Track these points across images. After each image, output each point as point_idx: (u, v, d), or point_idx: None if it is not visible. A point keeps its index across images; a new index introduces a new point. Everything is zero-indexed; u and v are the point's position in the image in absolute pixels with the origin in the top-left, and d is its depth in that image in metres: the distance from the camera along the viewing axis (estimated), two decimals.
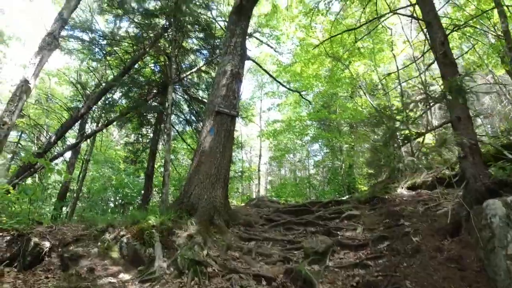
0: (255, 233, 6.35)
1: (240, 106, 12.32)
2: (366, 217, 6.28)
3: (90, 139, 14.42)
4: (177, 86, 13.74)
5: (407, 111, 6.26)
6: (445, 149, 6.31)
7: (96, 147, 18.63)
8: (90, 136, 10.14)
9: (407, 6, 9.65)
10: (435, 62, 6.14)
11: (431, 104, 6.17)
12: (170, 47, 9.72)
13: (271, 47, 17.04)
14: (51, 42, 7.14)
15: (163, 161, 13.10)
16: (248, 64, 18.47)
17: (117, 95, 12.90)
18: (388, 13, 8.67)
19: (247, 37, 10.87)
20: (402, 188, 8.01)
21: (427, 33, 6.75)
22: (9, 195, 6.35)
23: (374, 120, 12.78)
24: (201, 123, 10.95)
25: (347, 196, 11.83)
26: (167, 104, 7.70)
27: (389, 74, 12.95)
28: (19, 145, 16.54)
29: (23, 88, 6.24)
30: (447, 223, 4.62)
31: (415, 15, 8.63)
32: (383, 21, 11.23)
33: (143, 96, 11.40)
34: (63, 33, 11.99)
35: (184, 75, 11.37)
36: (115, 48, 12.63)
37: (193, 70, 11.37)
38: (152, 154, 11.51)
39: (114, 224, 6.00)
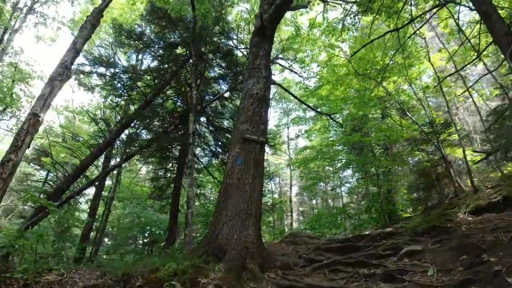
0: (296, 279, 5.31)
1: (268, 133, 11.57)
2: (433, 254, 5.12)
3: (114, 176, 14.01)
4: (201, 118, 13.25)
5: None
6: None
7: (121, 184, 18.29)
8: (109, 171, 9.60)
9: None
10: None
11: None
12: (191, 74, 9.24)
13: (295, 72, 16.48)
14: (62, 73, 6.73)
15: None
16: (272, 90, 17.90)
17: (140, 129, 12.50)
18: (435, 7, 7.75)
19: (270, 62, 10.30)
20: (465, 213, 6.78)
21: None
22: (19, 240, 5.74)
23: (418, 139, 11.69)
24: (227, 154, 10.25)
25: (393, 226, 10.54)
26: (189, 133, 7.04)
27: (427, 86, 11.87)
28: (46, 184, 16.40)
29: (31, 122, 5.73)
30: None
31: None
32: (419, 26, 10.34)
33: (165, 128, 10.89)
34: (85, 68, 11.90)
35: (206, 103, 10.80)
36: (137, 83, 12.40)
37: (216, 97, 10.80)
38: (176, 190, 10.80)
39: (131, 272, 5.19)
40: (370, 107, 17.48)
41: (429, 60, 11.86)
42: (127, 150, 10.00)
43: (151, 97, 11.08)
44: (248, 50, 10.36)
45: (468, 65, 10.09)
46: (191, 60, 11.38)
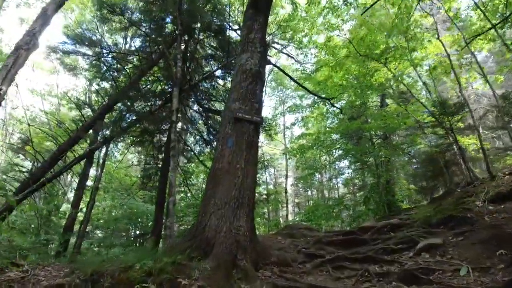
0: (295, 278, 4.54)
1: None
2: (458, 248, 4.36)
3: (100, 165, 13.14)
4: (192, 104, 12.37)
5: None
6: None
7: (110, 174, 17.38)
8: (83, 157, 8.66)
9: None
10: None
11: None
12: (177, 46, 8.27)
13: (291, 56, 15.59)
14: (29, 41, 5.84)
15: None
16: (266, 73, 17.05)
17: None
18: None
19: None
20: (484, 201, 6.02)
21: None
22: None
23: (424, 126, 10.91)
24: (217, 136, 9.34)
25: (397, 217, 9.83)
26: (172, 110, 6.14)
27: (434, 67, 11.06)
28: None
29: None
30: None
31: None
32: None
33: (150, 110, 9.98)
34: (67, 48, 10.92)
35: (196, 81, 9.84)
36: (123, 65, 11.45)
37: (205, 75, 9.84)
38: (162, 178, 9.92)
39: (102, 270, 4.40)
40: (370, 94, 16.73)
41: (438, 37, 11.03)
42: (106, 133, 9.09)
43: (136, 78, 10.18)
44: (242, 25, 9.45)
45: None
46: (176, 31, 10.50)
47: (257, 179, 14.12)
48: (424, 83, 12.43)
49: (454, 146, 9.60)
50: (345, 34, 14.38)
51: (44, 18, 6.31)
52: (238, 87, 6.79)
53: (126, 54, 10.93)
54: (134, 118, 9.33)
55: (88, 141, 12.34)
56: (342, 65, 13.18)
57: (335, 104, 18.22)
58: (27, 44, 5.83)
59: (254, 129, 6.31)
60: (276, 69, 20.88)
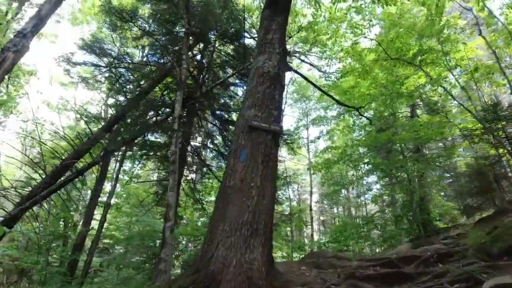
0: None
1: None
2: None
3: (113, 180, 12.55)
4: (208, 116, 11.61)
5: None
6: None
7: (126, 189, 16.79)
8: (82, 171, 7.89)
9: None
10: None
11: None
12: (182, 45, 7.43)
13: (313, 65, 14.67)
14: (18, 43, 5.18)
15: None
16: (286, 81, 16.20)
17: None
18: None
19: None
20: None
21: None
22: None
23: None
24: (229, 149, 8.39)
25: (440, 241, 8.51)
26: (174, 117, 5.26)
27: (476, 69, 9.85)
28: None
29: None
30: None
31: None
32: None
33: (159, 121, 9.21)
34: (76, 58, 10.44)
35: (207, 87, 8.95)
36: (136, 77, 10.86)
37: (219, 82, 8.97)
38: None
39: None
40: (399, 104, 15.53)
41: (480, 33, 9.84)
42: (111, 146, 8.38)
43: (147, 88, 9.50)
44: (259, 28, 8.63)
45: None
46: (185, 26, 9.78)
47: (278, 197, 13.13)
48: (462, 88, 11.17)
49: (507, 157, 8.27)
50: (372, 40, 13.39)
51: (38, 18, 5.68)
52: (254, 92, 5.90)
53: (138, 64, 10.30)
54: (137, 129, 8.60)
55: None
56: (370, 72, 12.12)
57: (365, 111, 17.08)
58: (15, 46, 5.19)
59: (272, 139, 5.35)
60: (298, 79, 20.04)
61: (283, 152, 20.16)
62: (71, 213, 14.11)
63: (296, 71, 9.01)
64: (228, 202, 4.70)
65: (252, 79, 6.24)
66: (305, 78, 9.25)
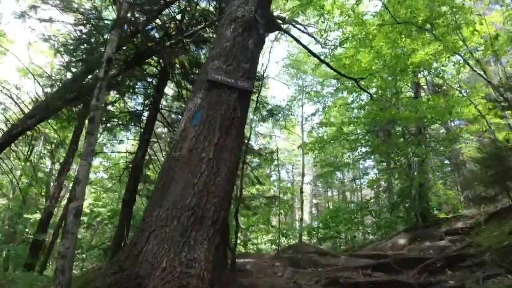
0: None
1: (258, 81, 8.24)
2: None
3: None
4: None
5: None
6: None
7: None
8: (16, 135, 6.50)
9: None
10: None
11: None
12: None
13: (308, 34, 13.17)
14: None
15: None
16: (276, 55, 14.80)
17: None
18: None
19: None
20: None
21: None
22: None
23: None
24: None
25: (446, 238, 7.36)
26: (102, 61, 3.93)
27: (496, 36, 8.49)
28: None
29: None
30: None
31: None
32: None
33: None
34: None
35: (183, 34, 7.32)
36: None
37: (187, 33, 7.36)
38: (134, 170, 7.75)
39: None
40: (403, 81, 14.14)
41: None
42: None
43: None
44: None
45: None
46: None
47: (257, 175, 11.78)
48: (477, 61, 9.78)
49: None
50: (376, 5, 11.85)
51: None
52: (223, 41, 4.56)
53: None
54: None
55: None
56: (372, 40, 10.67)
57: (363, 88, 15.65)
58: None
59: (239, 99, 4.04)
60: (293, 53, 18.51)
61: (276, 132, 18.87)
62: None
63: (285, 30, 7.63)
64: (171, 179, 3.46)
65: (222, 25, 4.90)
66: (296, 40, 7.87)
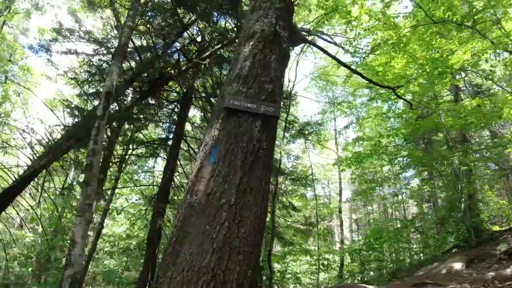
0: None
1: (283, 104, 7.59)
2: None
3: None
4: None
5: None
6: None
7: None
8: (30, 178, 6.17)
9: None
10: None
11: None
12: None
13: (334, 43, 12.49)
14: None
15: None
16: (304, 67, 14.32)
17: None
18: None
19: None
20: None
21: None
22: None
23: None
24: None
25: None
26: (101, 95, 3.45)
27: None
28: None
29: None
30: None
31: None
32: None
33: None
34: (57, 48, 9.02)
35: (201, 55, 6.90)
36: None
37: (205, 55, 6.90)
38: (157, 208, 7.27)
39: None
40: (442, 85, 13.08)
41: None
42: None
43: (131, 77, 7.80)
44: None
45: None
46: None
47: (293, 203, 10.84)
48: None
49: None
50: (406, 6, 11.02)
51: None
52: (241, 60, 4.00)
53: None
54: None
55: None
56: (406, 44, 9.84)
57: (399, 104, 14.67)
58: None
59: (263, 127, 3.42)
60: (320, 65, 17.82)
61: (309, 146, 17.98)
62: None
63: (310, 42, 7.02)
64: (186, 231, 2.87)
65: (240, 43, 4.36)
66: (323, 50, 7.22)
